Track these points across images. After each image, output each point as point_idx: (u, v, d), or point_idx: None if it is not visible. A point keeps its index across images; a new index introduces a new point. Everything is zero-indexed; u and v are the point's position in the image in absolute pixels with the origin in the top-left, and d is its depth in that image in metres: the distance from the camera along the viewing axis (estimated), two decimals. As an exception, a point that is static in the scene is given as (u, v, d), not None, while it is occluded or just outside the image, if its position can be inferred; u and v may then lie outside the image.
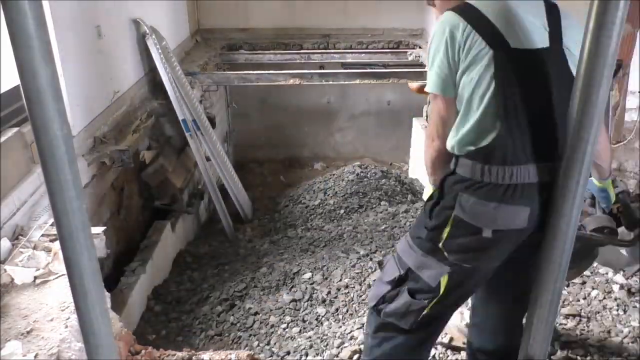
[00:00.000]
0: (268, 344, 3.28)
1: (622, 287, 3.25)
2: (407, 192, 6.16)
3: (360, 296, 3.53)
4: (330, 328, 3.27)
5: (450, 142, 1.88)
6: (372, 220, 5.12)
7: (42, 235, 2.60)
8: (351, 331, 3.15)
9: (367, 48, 7.86)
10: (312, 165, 9.09)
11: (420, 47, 7.54)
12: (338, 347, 3.05)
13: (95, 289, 1.30)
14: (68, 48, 3.32)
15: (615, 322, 3.06)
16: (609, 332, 3.00)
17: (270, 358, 3.14)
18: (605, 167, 2.06)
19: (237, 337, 3.35)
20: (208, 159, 5.39)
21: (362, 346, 2.99)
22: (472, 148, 1.80)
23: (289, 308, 3.59)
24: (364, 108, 9.16)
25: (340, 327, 3.23)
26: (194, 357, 2.60)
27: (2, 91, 2.91)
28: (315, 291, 3.69)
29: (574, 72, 1.60)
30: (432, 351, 2.84)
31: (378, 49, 7.85)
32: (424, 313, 1.95)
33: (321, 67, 7.11)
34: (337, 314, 3.42)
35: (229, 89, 8.09)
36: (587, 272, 3.34)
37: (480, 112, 1.78)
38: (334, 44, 7.86)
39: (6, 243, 2.44)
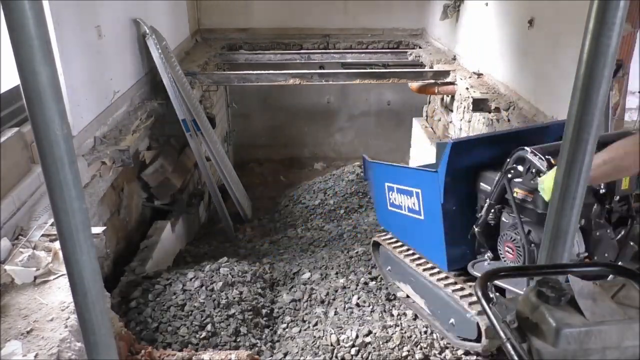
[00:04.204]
0: (267, 343, 3.28)
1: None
2: (407, 192, 6.16)
3: (360, 297, 3.53)
4: (329, 328, 3.27)
5: None
6: (372, 220, 5.12)
7: (42, 235, 2.60)
8: (350, 331, 3.16)
9: (367, 48, 7.86)
10: (312, 165, 9.10)
11: (420, 47, 7.55)
12: (336, 347, 3.05)
13: (95, 288, 1.31)
14: (68, 48, 3.32)
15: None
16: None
17: (270, 358, 3.15)
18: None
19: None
20: (208, 159, 5.40)
21: (356, 348, 2.99)
22: None
23: (289, 308, 3.59)
24: (364, 108, 9.17)
25: (339, 327, 3.24)
26: (194, 357, 2.60)
27: (2, 91, 2.91)
28: (314, 291, 3.69)
29: None
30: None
31: (378, 49, 7.85)
32: None
33: (321, 67, 7.12)
34: (337, 314, 3.42)
35: (229, 89, 8.09)
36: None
37: None
38: (334, 44, 7.86)
39: (6, 243, 2.44)
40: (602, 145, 1.99)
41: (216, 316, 3.25)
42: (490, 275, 1.31)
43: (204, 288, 3.42)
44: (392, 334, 3.06)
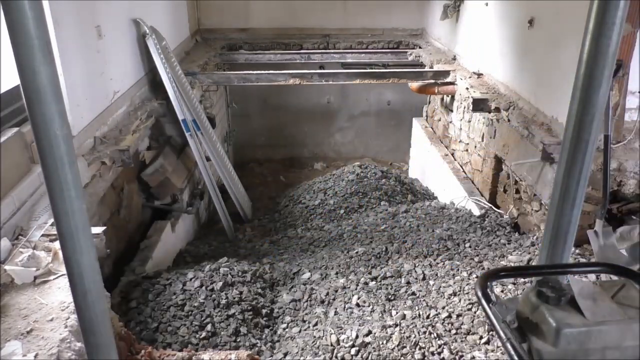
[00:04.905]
0: (267, 343, 3.28)
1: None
2: (407, 192, 6.16)
3: (360, 297, 3.53)
4: (329, 328, 3.27)
5: None
6: (372, 220, 5.12)
7: (42, 235, 2.60)
8: (350, 331, 3.16)
9: (367, 48, 7.86)
10: (312, 165, 9.10)
11: (420, 47, 7.55)
12: (336, 347, 3.05)
13: (95, 288, 1.31)
14: (68, 48, 3.32)
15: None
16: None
17: (270, 358, 3.15)
18: None
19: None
20: (208, 159, 5.40)
21: (356, 348, 3.00)
22: None
23: (289, 308, 3.59)
24: (364, 108, 9.17)
25: (340, 327, 3.24)
26: (194, 357, 2.60)
27: (2, 91, 2.91)
28: (314, 291, 3.69)
29: None
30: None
31: (378, 49, 7.85)
32: None
33: (321, 67, 7.12)
34: (337, 314, 3.42)
35: (229, 89, 8.09)
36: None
37: None
38: (334, 44, 7.86)
39: (6, 243, 2.44)
40: None
41: (216, 316, 3.25)
42: (490, 275, 1.31)
43: (203, 288, 3.42)
44: (392, 334, 3.06)
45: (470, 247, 4.11)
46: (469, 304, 3.26)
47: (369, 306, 3.43)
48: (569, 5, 3.92)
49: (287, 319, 3.48)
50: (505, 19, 5.16)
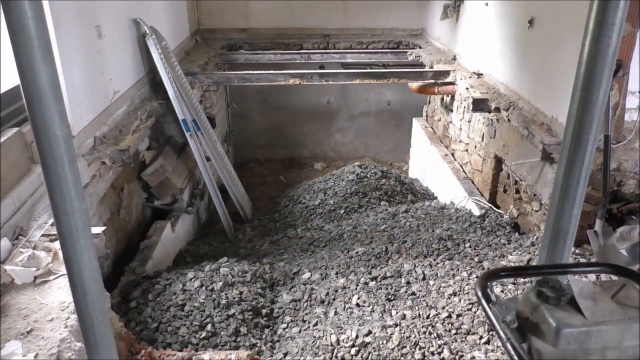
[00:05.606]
0: (267, 343, 3.28)
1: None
2: (407, 192, 6.16)
3: (360, 297, 3.53)
4: (329, 328, 3.27)
5: None
6: (372, 220, 5.12)
7: (42, 235, 2.60)
8: (350, 331, 3.16)
9: (367, 48, 7.86)
10: (312, 165, 9.10)
11: (420, 47, 7.55)
12: (336, 347, 3.05)
13: (95, 288, 1.31)
14: (68, 48, 3.31)
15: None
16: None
17: (270, 358, 3.15)
18: None
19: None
20: (208, 159, 5.40)
21: (356, 348, 3.00)
22: None
23: (289, 308, 3.59)
24: (364, 108, 9.17)
25: (340, 327, 3.24)
26: (194, 357, 2.60)
27: (2, 91, 2.91)
28: (314, 291, 3.69)
29: None
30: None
31: (378, 49, 7.85)
32: None
33: (321, 67, 7.11)
34: (337, 314, 3.42)
35: (229, 89, 8.09)
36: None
37: None
38: (334, 44, 7.86)
39: (6, 243, 2.44)
40: None
41: (216, 316, 3.25)
42: (490, 275, 1.31)
43: (204, 288, 3.42)
44: (392, 334, 3.07)
45: (470, 247, 4.11)
46: (469, 304, 3.26)
47: (369, 306, 3.43)
48: (569, 5, 3.92)
49: (287, 319, 3.48)
50: (505, 19, 5.16)
